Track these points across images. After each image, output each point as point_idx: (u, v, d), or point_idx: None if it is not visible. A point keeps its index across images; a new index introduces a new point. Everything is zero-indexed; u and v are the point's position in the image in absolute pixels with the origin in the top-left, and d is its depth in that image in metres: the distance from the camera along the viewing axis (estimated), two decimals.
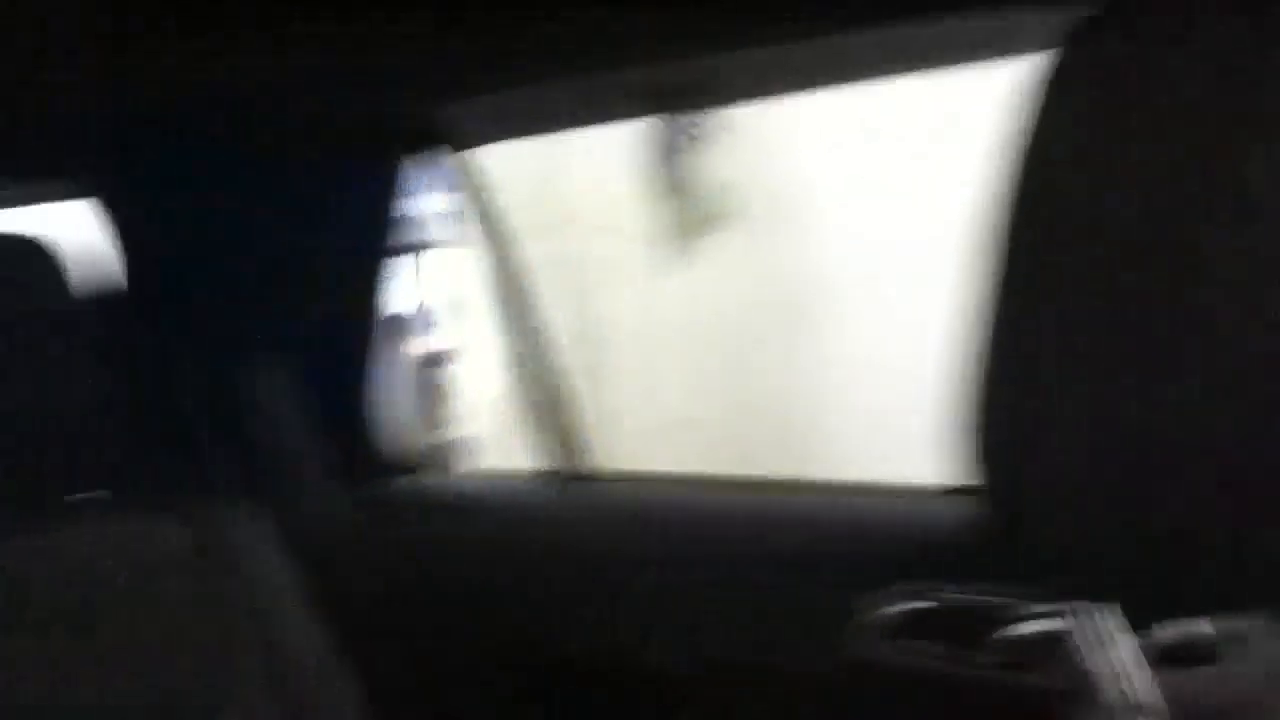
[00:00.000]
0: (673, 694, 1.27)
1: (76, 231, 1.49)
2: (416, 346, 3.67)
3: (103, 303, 1.44)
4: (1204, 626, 0.61)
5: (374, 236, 1.54)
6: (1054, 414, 0.50)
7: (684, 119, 3.16)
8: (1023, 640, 1.02)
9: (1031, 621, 1.03)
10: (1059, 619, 1.01)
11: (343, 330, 1.55)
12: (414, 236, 1.65)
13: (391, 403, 1.65)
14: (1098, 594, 0.54)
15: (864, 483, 1.31)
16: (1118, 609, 0.54)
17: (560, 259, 2.97)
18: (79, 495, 1.23)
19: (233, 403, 1.44)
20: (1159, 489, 0.47)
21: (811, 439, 2.97)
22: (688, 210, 3.27)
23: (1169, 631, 0.61)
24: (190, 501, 1.19)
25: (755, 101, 1.78)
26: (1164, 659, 0.59)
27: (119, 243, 1.53)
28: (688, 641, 1.26)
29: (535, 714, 1.37)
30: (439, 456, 3.04)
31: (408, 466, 1.61)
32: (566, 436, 1.49)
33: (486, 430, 2.99)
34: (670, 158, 3.21)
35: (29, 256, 1.11)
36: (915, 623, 1.10)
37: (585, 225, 3.07)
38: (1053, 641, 1.00)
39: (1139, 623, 0.56)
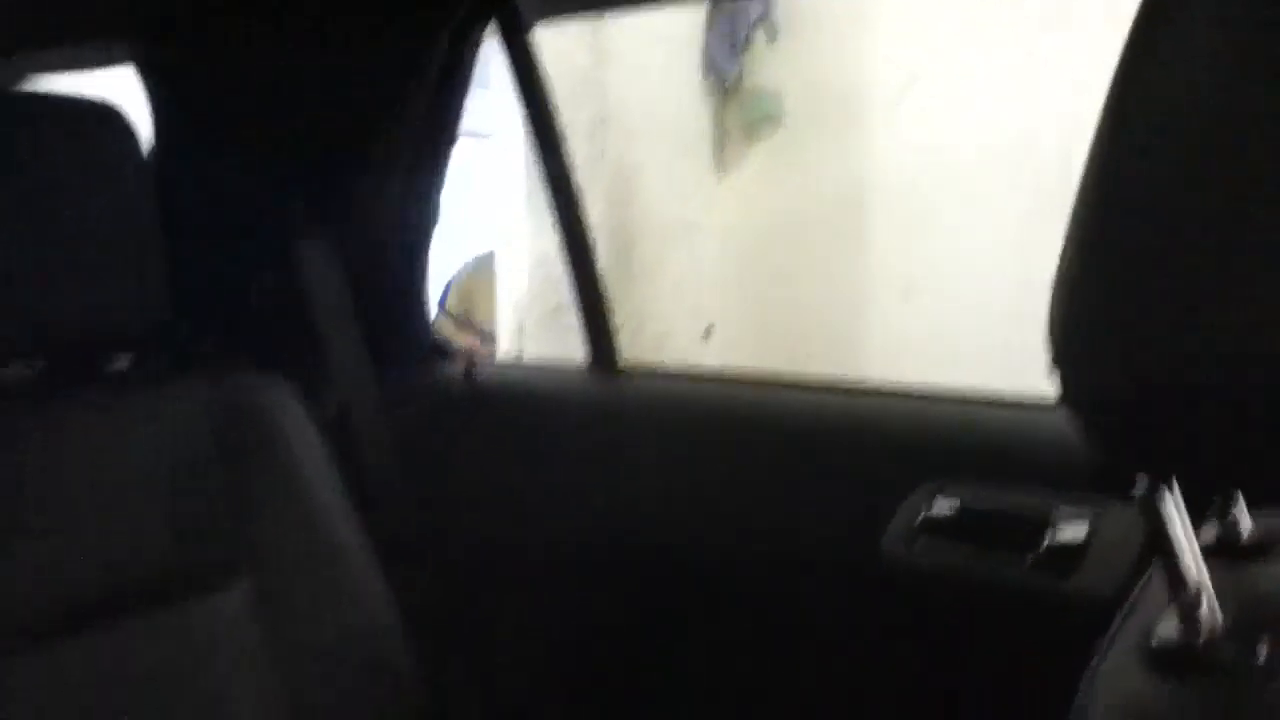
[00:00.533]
0: (700, 586, 1.27)
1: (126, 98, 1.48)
2: (464, 235, 3.66)
3: (163, 170, 1.43)
4: (1257, 521, 0.60)
5: (431, 118, 1.51)
6: (1119, 302, 0.47)
7: (741, 17, 3.10)
8: (1059, 546, 1.02)
9: (1070, 525, 1.02)
10: (1097, 522, 1.01)
11: (394, 211, 1.53)
12: (468, 124, 1.62)
13: (435, 289, 1.64)
14: (1155, 485, 0.52)
15: (900, 385, 1.29)
16: (1175, 498, 0.52)
17: (606, 157, 2.94)
18: (116, 361, 1.23)
19: (276, 275, 1.43)
20: (1218, 379, 0.44)
21: (850, 351, 2.94)
22: (739, 113, 3.22)
23: (1222, 526, 0.60)
24: (222, 369, 1.18)
25: None
26: (1215, 551, 0.58)
27: (167, 109, 1.51)
28: (716, 534, 1.26)
29: (558, 598, 1.38)
30: (476, 345, 3.05)
31: (445, 352, 1.60)
32: (602, 333, 1.47)
33: (524, 323, 2.99)
34: (724, 59, 3.15)
35: (108, 125, 1.11)
36: (949, 524, 1.10)
37: (634, 124, 3.02)
38: (1088, 547, 1.00)
39: (1194, 517, 0.55)
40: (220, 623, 1.10)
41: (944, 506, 1.10)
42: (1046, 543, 1.03)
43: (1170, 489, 0.52)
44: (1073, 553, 1.01)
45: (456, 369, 1.53)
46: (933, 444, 1.17)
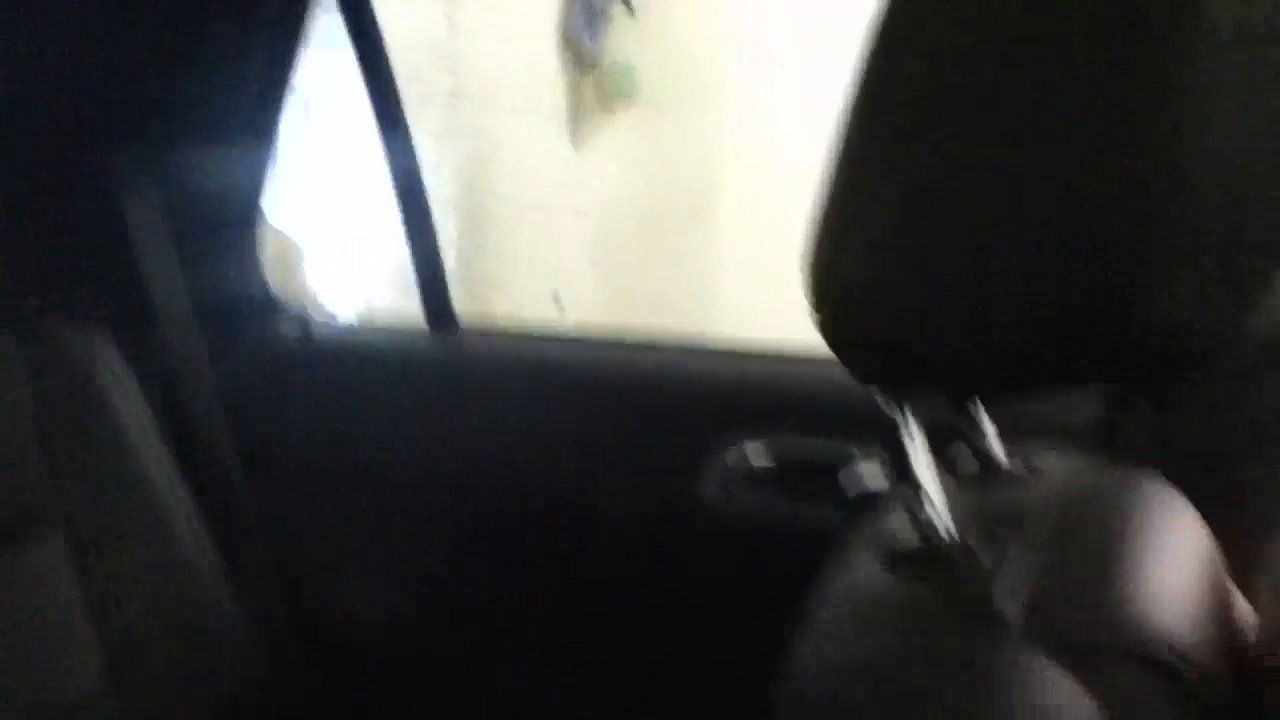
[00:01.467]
0: (536, 539, 1.30)
1: None
2: (300, 198, 3.60)
3: None
4: (1002, 453, 0.65)
5: (264, 73, 1.49)
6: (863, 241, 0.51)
7: None
8: (866, 492, 1.08)
9: (875, 472, 1.08)
10: (883, 467, 1.07)
11: (229, 168, 1.51)
12: (304, 90, 1.60)
13: (270, 248, 1.62)
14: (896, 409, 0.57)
15: (722, 341, 1.34)
16: (914, 421, 0.56)
17: (461, 130, 2.92)
18: None
19: (101, 230, 1.40)
20: (944, 320, 0.48)
21: (696, 323, 2.99)
22: (596, 88, 3.23)
23: (969, 455, 0.65)
24: (40, 324, 1.16)
25: None
26: (970, 475, 0.63)
27: None
28: (552, 488, 1.29)
29: (396, 558, 1.39)
30: (310, 305, 3.00)
31: (281, 312, 1.59)
32: (439, 293, 1.48)
33: (364, 288, 2.96)
34: (583, 32, 3.16)
35: None
36: (765, 475, 1.15)
37: (489, 97, 3.02)
38: (877, 494, 1.06)
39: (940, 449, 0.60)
40: (34, 576, 1.08)
41: (760, 458, 1.15)
42: (854, 489, 1.08)
43: (905, 414, 0.56)
44: (878, 497, 1.06)
45: (292, 328, 1.52)
46: (751, 397, 1.21)
